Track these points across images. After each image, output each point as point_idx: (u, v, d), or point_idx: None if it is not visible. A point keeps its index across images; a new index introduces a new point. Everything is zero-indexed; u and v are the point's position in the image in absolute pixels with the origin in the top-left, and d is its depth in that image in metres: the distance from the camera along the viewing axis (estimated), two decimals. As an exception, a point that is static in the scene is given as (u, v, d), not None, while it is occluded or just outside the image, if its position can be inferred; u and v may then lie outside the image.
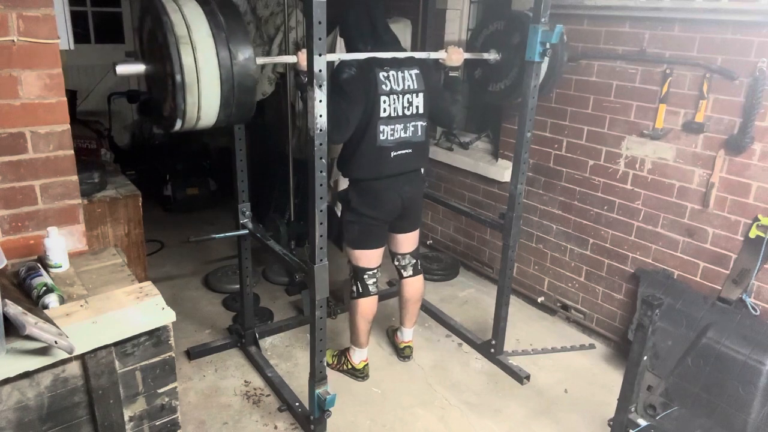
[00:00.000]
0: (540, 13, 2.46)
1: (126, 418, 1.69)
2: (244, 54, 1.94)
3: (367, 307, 2.77)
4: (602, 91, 3.07)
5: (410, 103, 2.60)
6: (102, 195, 2.76)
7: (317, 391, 2.35)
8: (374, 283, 2.77)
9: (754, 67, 2.48)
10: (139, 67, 2.11)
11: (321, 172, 2.05)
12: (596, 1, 2.97)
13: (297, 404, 2.63)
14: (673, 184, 2.87)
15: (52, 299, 1.68)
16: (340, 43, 3.73)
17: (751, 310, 2.61)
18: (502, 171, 3.66)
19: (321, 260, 2.18)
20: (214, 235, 2.82)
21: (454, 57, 2.72)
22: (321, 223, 2.11)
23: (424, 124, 2.68)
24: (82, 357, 1.53)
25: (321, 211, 2.10)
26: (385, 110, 2.53)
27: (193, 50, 1.87)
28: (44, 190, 1.95)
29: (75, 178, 2.00)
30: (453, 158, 4.02)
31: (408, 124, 2.62)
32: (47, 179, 1.95)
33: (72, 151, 1.97)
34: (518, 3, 3.33)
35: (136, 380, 1.68)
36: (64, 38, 2.41)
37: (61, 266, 1.92)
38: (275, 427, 2.57)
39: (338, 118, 2.40)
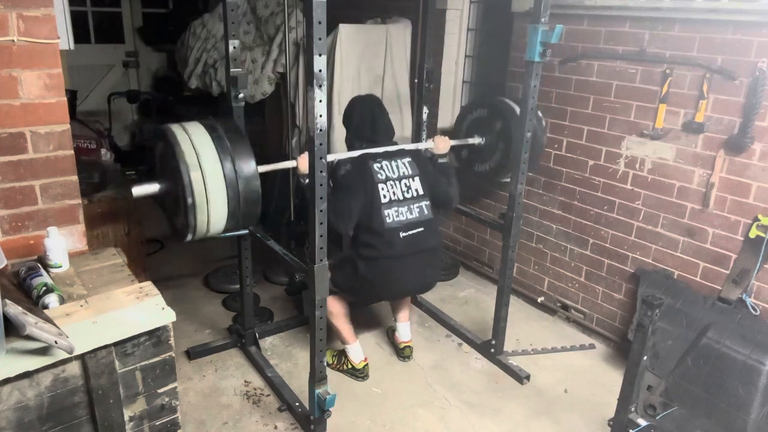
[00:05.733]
0: (540, 13, 2.46)
1: (126, 418, 1.69)
2: (249, 171, 2.17)
3: (333, 305, 2.78)
4: (602, 91, 3.07)
5: (408, 187, 2.76)
6: (102, 195, 2.76)
7: (317, 391, 2.35)
8: None
9: (754, 67, 2.48)
10: (153, 187, 2.28)
11: (321, 172, 2.05)
12: (596, 1, 2.97)
13: (297, 404, 2.63)
14: (673, 184, 2.87)
15: (52, 299, 1.68)
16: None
17: (751, 310, 2.61)
18: (502, 171, 3.66)
19: (321, 260, 2.18)
20: (214, 235, 2.82)
21: (440, 146, 2.97)
22: (321, 223, 2.11)
23: (428, 203, 2.82)
24: (82, 357, 1.53)
25: (321, 211, 2.10)
26: (385, 196, 2.69)
27: (202, 175, 2.08)
28: (44, 190, 1.95)
29: (75, 178, 2.00)
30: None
31: (412, 206, 2.76)
32: (47, 179, 1.95)
33: (72, 151, 1.98)
34: (518, 3, 3.34)
35: (136, 380, 1.68)
36: (64, 38, 2.41)
37: (61, 266, 1.92)
38: (275, 427, 2.57)
39: (341, 209, 2.59)
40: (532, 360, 3.13)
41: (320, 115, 1.98)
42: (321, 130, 2.00)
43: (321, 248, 2.16)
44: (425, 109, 3.40)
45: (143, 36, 6.49)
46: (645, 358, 2.04)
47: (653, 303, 1.94)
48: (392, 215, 2.69)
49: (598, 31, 3.04)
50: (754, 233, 2.57)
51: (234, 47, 2.56)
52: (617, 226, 3.14)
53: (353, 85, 3.94)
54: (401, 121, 4.18)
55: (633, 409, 2.15)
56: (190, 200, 2.09)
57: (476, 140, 3.19)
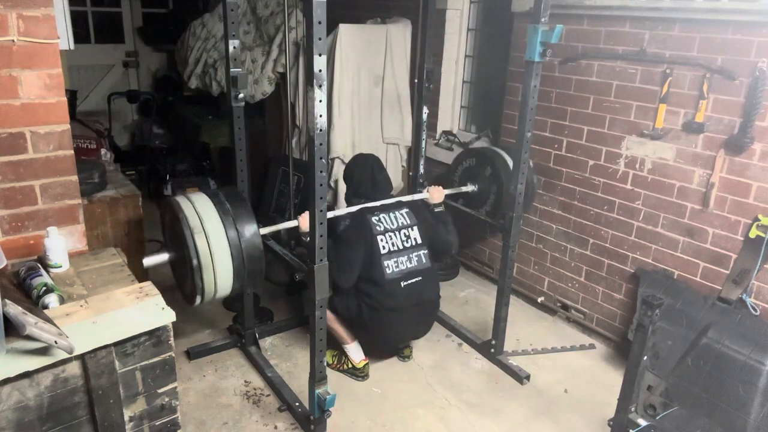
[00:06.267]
0: (540, 13, 2.45)
1: (126, 418, 1.69)
2: (250, 231, 2.29)
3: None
4: (602, 91, 3.07)
5: (408, 237, 2.86)
6: (102, 195, 2.76)
7: (317, 391, 2.35)
8: None
9: (754, 67, 2.48)
10: (163, 257, 2.41)
11: (321, 172, 2.05)
12: (596, 1, 2.97)
13: (297, 404, 2.63)
14: (673, 184, 2.87)
15: (52, 299, 1.68)
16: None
17: (751, 310, 2.61)
18: (502, 171, 3.66)
19: (321, 260, 2.18)
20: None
21: (435, 195, 3.05)
22: (321, 223, 2.11)
23: (426, 251, 2.90)
24: (82, 357, 1.53)
25: (321, 211, 2.10)
26: (384, 247, 2.77)
27: (206, 237, 2.20)
28: (44, 190, 1.95)
29: (75, 178, 2.00)
30: (453, 158, 4.02)
31: (411, 255, 2.84)
32: (47, 179, 1.95)
33: (72, 151, 1.97)
34: (518, 3, 3.34)
35: (136, 380, 1.68)
36: (64, 38, 2.41)
37: (61, 266, 1.92)
38: (275, 427, 2.57)
39: (342, 264, 2.69)
40: (532, 360, 3.13)
41: (320, 115, 1.98)
42: (321, 130, 2.00)
43: (321, 248, 2.16)
44: (425, 109, 3.40)
45: (143, 36, 6.50)
46: (645, 358, 2.04)
47: (653, 303, 1.94)
48: (392, 266, 2.77)
49: (598, 31, 3.04)
50: (754, 233, 2.57)
51: (234, 47, 2.56)
52: (617, 226, 3.14)
53: (353, 85, 3.94)
54: (401, 121, 4.18)
55: (633, 409, 2.15)
56: (195, 261, 2.19)
57: (469, 188, 3.32)
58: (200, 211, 2.26)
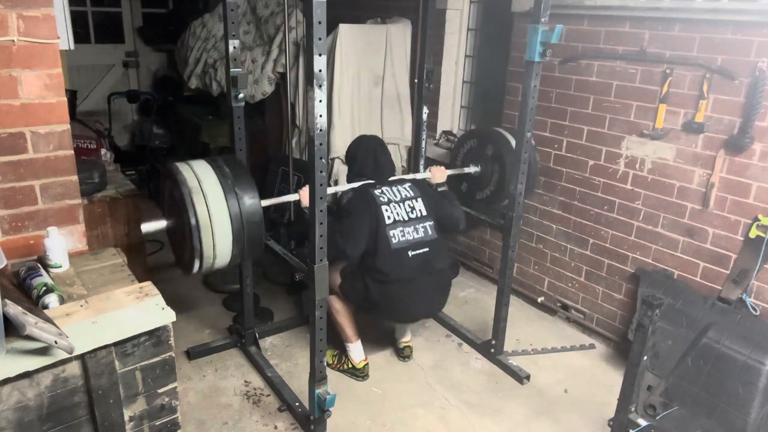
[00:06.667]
0: (540, 13, 2.45)
1: (126, 418, 1.69)
2: (249, 194, 2.26)
3: (338, 302, 2.82)
4: (602, 91, 3.07)
5: (412, 208, 2.81)
6: (102, 195, 2.76)
7: (317, 391, 2.35)
8: None
9: (754, 67, 2.48)
10: (161, 223, 2.39)
11: (321, 172, 2.05)
12: (596, 1, 2.97)
13: (297, 404, 2.63)
14: (673, 184, 2.87)
15: (52, 299, 1.68)
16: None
17: (751, 310, 2.61)
18: (502, 171, 3.66)
19: (321, 260, 2.18)
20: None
21: (437, 175, 3.05)
22: (321, 223, 2.11)
23: (432, 223, 2.85)
24: (82, 357, 1.53)
25: (321, 211, 2.10)
26: (389, 217, 2.73)
27: (204, 198, 2.17)
28: (44, 190, 1.95)
29: (75, 178, 2.00)
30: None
31: (417, 226, 2.80)
32: (47, 179, 1.95)
33: (72, 151, 1.97)
34: (518, 3, 3.34)
35: (136, 380, 1.68)
36: (64, 38, 2.42)
37: (61, 266, 1.92)
38: (275, 427, 2.57)
39: (348, 232, 2.65)
40: (532, 360, 3.13)
41: (320, 115, 1.98)
42: (321, 130, 2.00)
43: (321, 248, 2.16)
44: (425, 109, 3.40)
45: (143, 36, 6.50)
46: (645, 358, 2.04)
47: (653, 303, 1.94)
48: (398, 235, 2.72)
49: (598, 31, 3.04)
50: (754, 233, 2.57)
51: (234, 47, 2.56)
52: (617, 226, 3.14)
53: (353, 85, 3.94)
54: (401, 121, 4.18)
55: (633, 409, 2.15)
56: (194, 221, 2.14)
57: (472, 169, 3.26)
58: (198, 174, 2.22)
